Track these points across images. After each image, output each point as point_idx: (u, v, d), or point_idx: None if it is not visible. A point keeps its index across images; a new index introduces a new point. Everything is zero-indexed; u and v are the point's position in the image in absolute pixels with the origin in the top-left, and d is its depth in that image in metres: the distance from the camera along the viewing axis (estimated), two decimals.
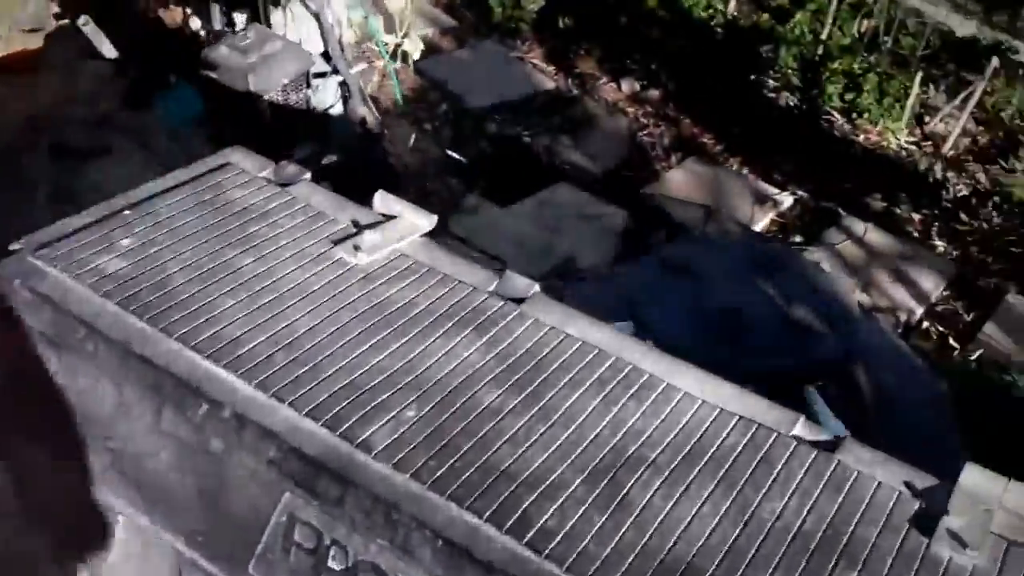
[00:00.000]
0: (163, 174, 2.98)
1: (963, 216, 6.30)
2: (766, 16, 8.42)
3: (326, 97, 5.27)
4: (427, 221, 2.93)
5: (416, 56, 5.41)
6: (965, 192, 6.69)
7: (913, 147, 7.43)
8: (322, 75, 5.26)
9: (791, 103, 7.59)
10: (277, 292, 2.60)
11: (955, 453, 4.62)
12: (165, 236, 2.74)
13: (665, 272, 4.45)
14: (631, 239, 5.77)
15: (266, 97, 4.92)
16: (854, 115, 7.62)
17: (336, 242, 2.80)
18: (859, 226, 6.33)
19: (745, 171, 6.91)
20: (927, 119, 7.80)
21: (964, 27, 9.60)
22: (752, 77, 7.73)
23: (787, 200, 6.56)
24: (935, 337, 5.61)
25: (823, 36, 8.15)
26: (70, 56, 5.84)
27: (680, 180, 6.64)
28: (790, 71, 7.83)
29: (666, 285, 4.42)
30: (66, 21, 6.12)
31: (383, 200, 2.98)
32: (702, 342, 4.07)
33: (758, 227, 6.27)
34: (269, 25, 5.57)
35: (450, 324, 2.55)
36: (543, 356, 2.49)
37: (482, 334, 2.53)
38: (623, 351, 2.53)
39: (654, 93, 7.57)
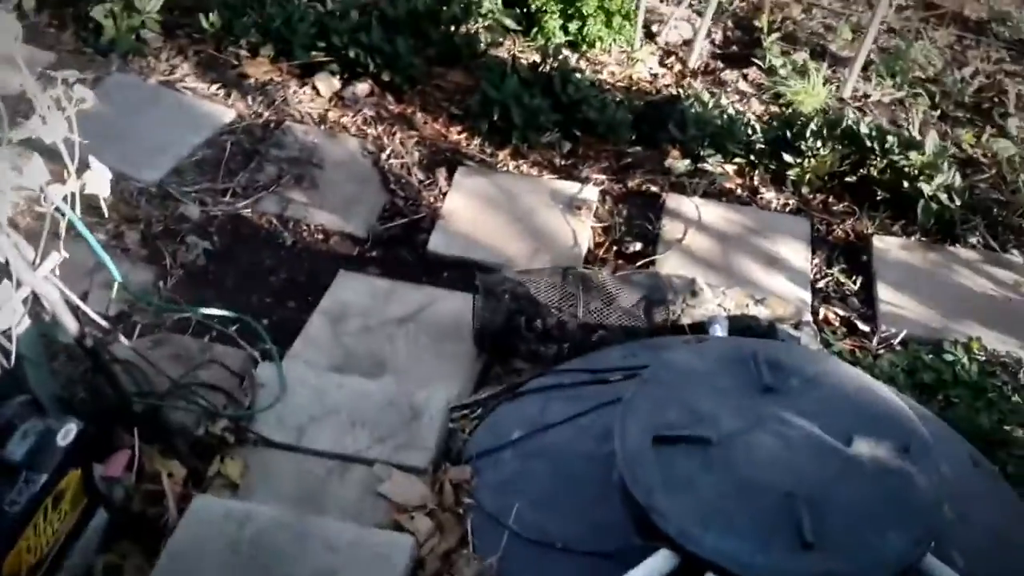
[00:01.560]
0: None
1: (786, 157, 5.49)
2: None
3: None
4: None
5: (106, 193, 3.25)
6: (755, 125, 5.81)
7: (663, 70, 6.46)
8: None
9: (515, 53, 6.22)
10: None
11: None
12: None
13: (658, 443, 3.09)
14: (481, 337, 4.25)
15: None
16: (584, 48, 6.45)
17: None
18: (687, 204, 5.30)
19: (524, 166, 5.52)
20: (654, 29, 6.82)
21: None
22: (453, 28, 6.20)
23: (593, 194, 5.31)
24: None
25: None
26: None
27: (466, 212, 5.11)
28: (497, 11, 6.39)
29: (667, 455, 3.08)
30: None
31: None
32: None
33: (584, 245, 5.00)
34: None
35: None
36: None
37: None
38: None
39: (362, 87, 5.80)
